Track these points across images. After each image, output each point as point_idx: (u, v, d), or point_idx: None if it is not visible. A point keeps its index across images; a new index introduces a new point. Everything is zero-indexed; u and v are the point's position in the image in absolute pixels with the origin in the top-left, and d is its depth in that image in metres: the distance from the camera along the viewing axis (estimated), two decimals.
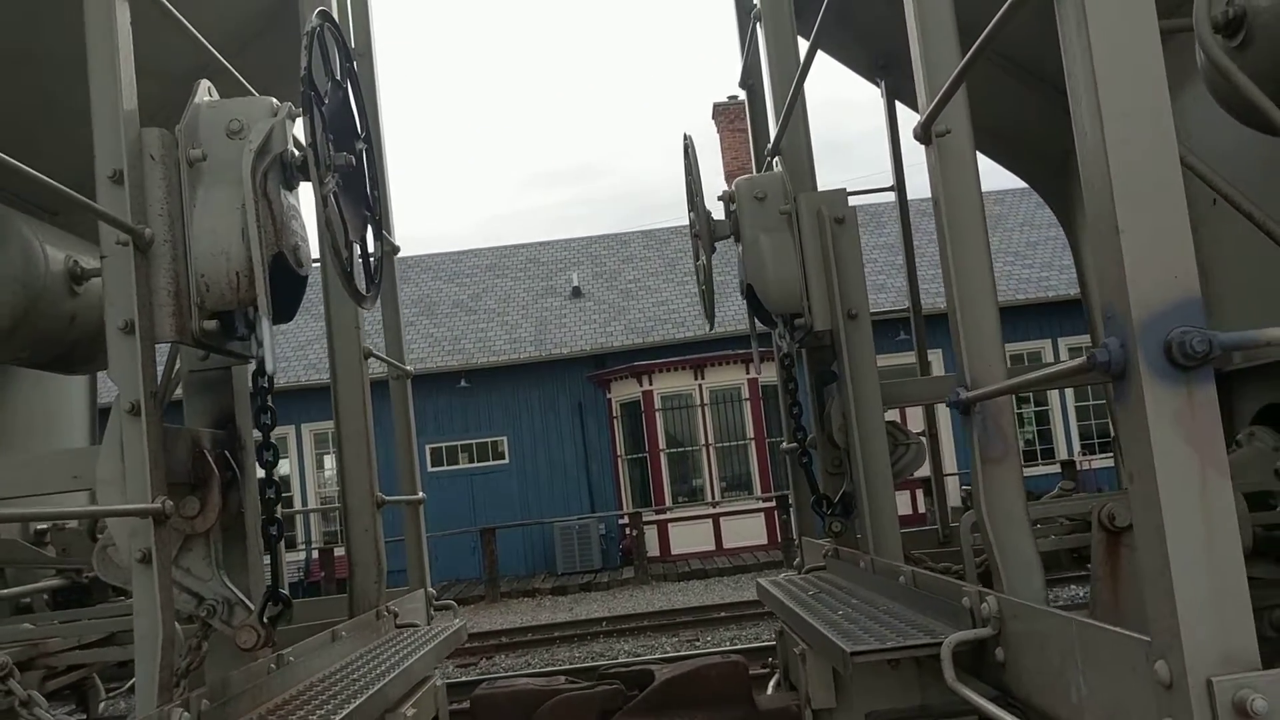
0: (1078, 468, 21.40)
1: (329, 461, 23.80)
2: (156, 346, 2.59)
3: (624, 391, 24.19)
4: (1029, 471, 23.35)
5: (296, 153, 2.78)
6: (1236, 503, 2.96)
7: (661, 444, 23.59)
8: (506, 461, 24.97)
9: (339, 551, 19.79)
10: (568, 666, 9.71)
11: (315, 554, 21.07)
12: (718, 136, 28.85)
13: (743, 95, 5.67)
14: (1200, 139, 4.37)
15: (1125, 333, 1.56)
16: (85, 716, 3.86)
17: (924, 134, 2.42)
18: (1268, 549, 3.38)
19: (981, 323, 2.40)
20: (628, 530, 22.46)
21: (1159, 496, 1.54)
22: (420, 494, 5.31)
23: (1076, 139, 1.62)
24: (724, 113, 28.43)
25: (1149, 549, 1.58)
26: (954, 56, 2.43)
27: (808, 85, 4.05)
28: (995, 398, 2.35)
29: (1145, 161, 1.54)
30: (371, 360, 4.53)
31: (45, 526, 4.69)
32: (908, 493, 19.65)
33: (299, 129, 2.84)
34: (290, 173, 2.79)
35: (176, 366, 3.09)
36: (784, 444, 4.99)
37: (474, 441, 24.84)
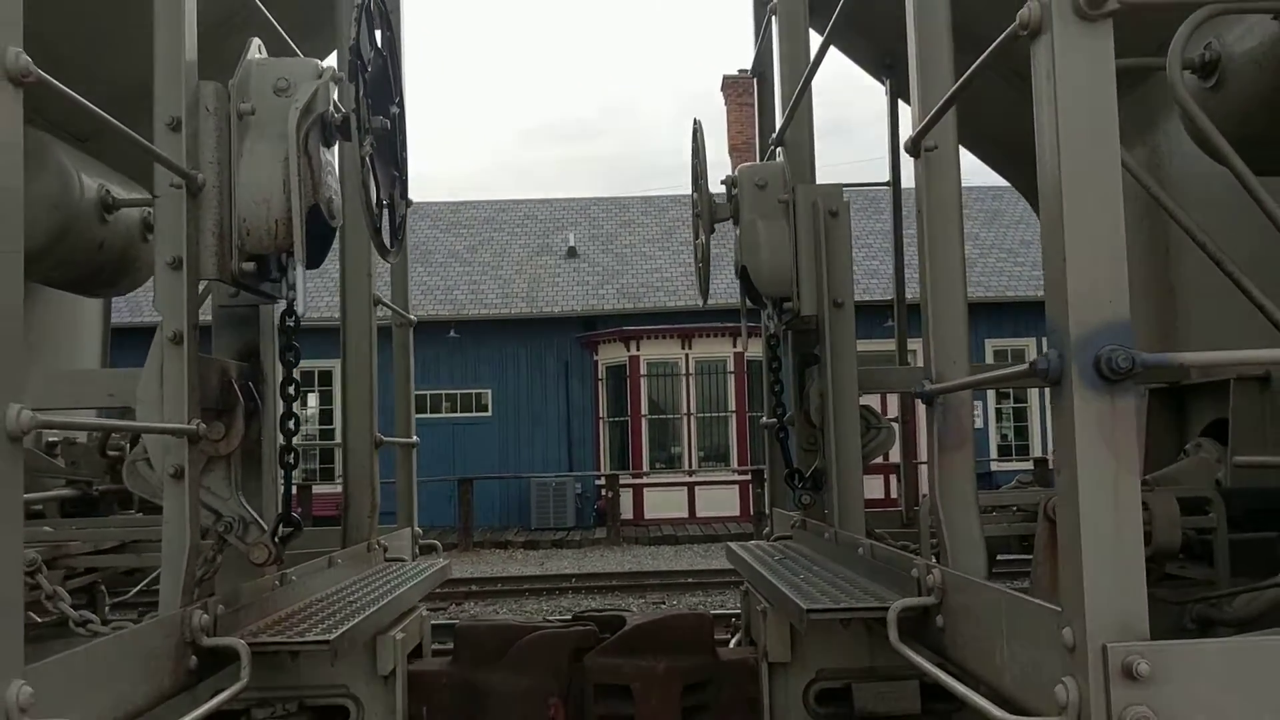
0: (1050, 466, 21.76)
1: (312, 400, 24.06)
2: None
3: (611, 355, 24.48)
4: (1005, 466, 23.77)
5: (337, 114, 3.01)
6: (1170, 506, 3.25)
7: (644, 409, 23.91)
8: (489, 414, 25.27)
9: (317, 489, 20.06)
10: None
11: (294, 490, 21.31)
12: (725, 109, 28.97)
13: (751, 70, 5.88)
14: (1183, 164, 4.62)
15: (1063, 346, 1.82)
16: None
17: (914, 148, 2.66)
18: (1199, 551, 3.66)
19: (950, 324, 2.65)
20: (604, 491, 22.81)
21: (1078, 488, 1.80)
22: (415, 438, 5.57)
23: (1039, 180, 1.87)
24: (732, 86, 28.55)
25: (1066, 533, 1.84)
26: (948, 79, 2.67)
27: (823, 62, 4.24)
28: (956, 392, 2.62)
29: (1094, 206, 1.79)
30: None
31: (56, 439, 4.93)
32: (881, 477, 20.01)
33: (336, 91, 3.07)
34: (329, 131, 3.02)
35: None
36: (764, 419, 5.26)
37: (459, 392, 25.13)
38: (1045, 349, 1.87)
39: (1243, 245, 2.99)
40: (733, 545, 4.64)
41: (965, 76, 2.22)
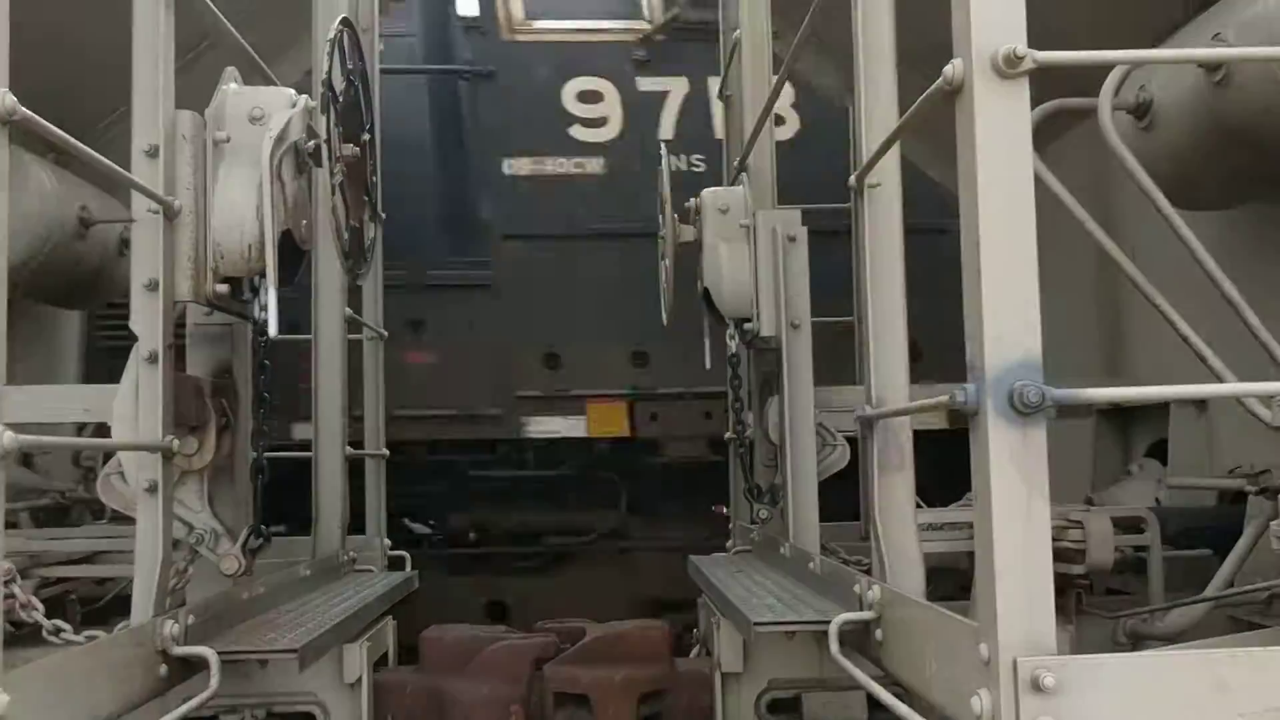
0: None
1: None
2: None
3: None
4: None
5: (309, 142, 3.13)
6: (1104, 525, 3.40)
7: None
8: None
9: None
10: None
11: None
12: None
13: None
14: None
15: (980, 381, 1.96)
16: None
17: (858, 184, 2.81)
18: (1137, 567, 3.82)
19: (891, 352, 2.80)
20: None
21: (992, 513, 1.94)
22: (384, 450, 5.68)
23: (962, 226, 2.01)
24: None
25: (981, 554, 1.98)
26: (892, 118, 2.82)
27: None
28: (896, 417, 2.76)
29: (1010, 251, 1.93)
30: None
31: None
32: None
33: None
34: (302, 159, 3.14)
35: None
36: (726, 434, 5.40)
37: None
38: (966, 383, 2.00)
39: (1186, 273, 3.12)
40: (693, 558, 4.77)
41: (901, 122, 2.37)
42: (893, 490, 2.84)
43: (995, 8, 1.95)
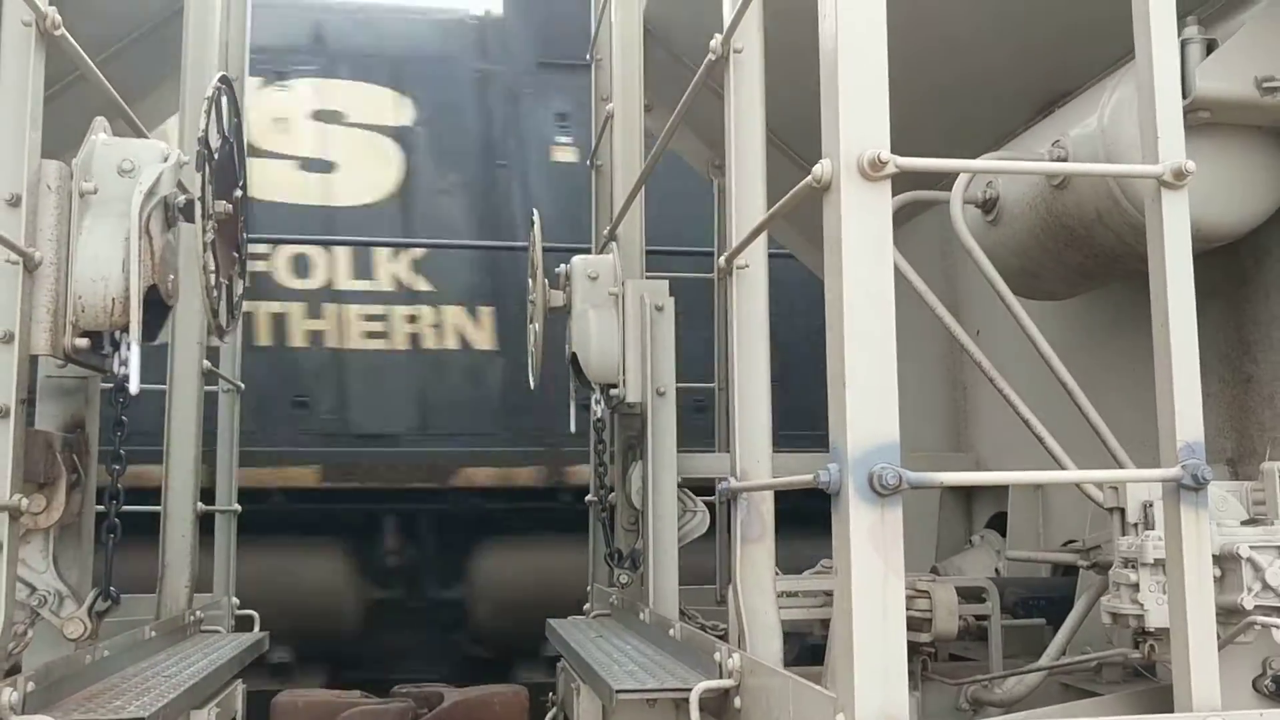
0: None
1: None
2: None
3: None
4: None
5: (180, 196, 3.09)
6: (949, 596, 3.57)
7: None
8: None
9: None
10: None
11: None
12: None
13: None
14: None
15: (843, 462, 2.07)
16: None
17: (727, 266, 2.93)
18: (979, 635, 4.00)
19: (755, 426, 2.90)
20: None
21: (851, 589, 2.04)
22: (235, 505, 5.53)
23: (827, 312, 2.13)
24: None
25: (840, 627, 2.08)
26: (761, 205, 2.95)
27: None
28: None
29: (871, 339, 2.06)
30: None
31: None
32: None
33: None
34: (172, 213, 3.09)
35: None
36: (588, 497, 5.45)
37: None
38: (828, 464, 2.11)
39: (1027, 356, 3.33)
40: (552, 621, 4.78)
41: (770, 213, 2.49)
42: (754, 559, 2.93)
43: (862, 116, 2.09)
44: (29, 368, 2.82)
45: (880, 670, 2.04)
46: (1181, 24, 2.35)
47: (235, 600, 5.39)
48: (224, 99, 3.11)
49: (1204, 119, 2.90)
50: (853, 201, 2.08)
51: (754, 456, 2.91)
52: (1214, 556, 2.34)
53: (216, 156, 3.05)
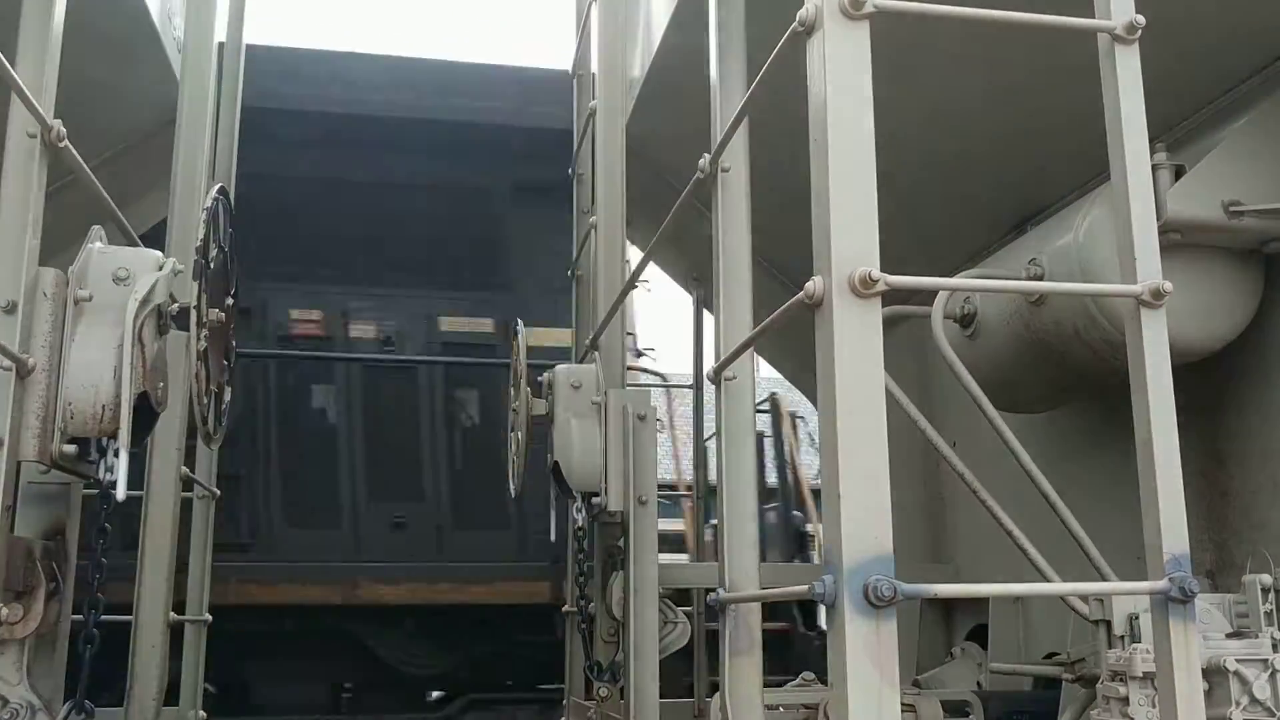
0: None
1: None
2: None
3: None
4: None
5: (173, 304, 3.12)
6: (935, 709, 3.55)
7: None
8: None
9: None
10: None
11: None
12: None
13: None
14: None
15: (838, 574, 2.09)
16: None
17: (715, 377, 2.98)
18: None
19: (743, 538, 2.92)
20: None
21: (849, 700, 2.04)
22: (206, 615, 5.43)
23: (820, 428, 2.17)
24: None
25: None
26: (748, 319, 3.02)
27: None
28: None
29: (864, 454, 2.10)
30: None
31: None
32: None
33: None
34: (165, 321, 3.12)
35: None
36: (565, 607, 5.39)
37: None
38: (823, 575, 2.13)
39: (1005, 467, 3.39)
40: None
41: (760, 327, 2.55)
42: (742, 672, 2.92)
43: (852, 234, 2.16)
44: (14, 474, 2.80)
45: None
46: (1150, 149, 2.46)
47: (203, 714, 5.27)
48: (221, 209, 3.17)
49: (1175, 240, 3.01)
50: (844, 318, 2.13)
51: (742, 567, 2.92)
52: (1201, 669, 2.36)
53: (212, 265, 3.09)
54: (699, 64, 3.31)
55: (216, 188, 3.10)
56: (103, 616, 4.59)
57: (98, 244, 3.10)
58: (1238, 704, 2.50)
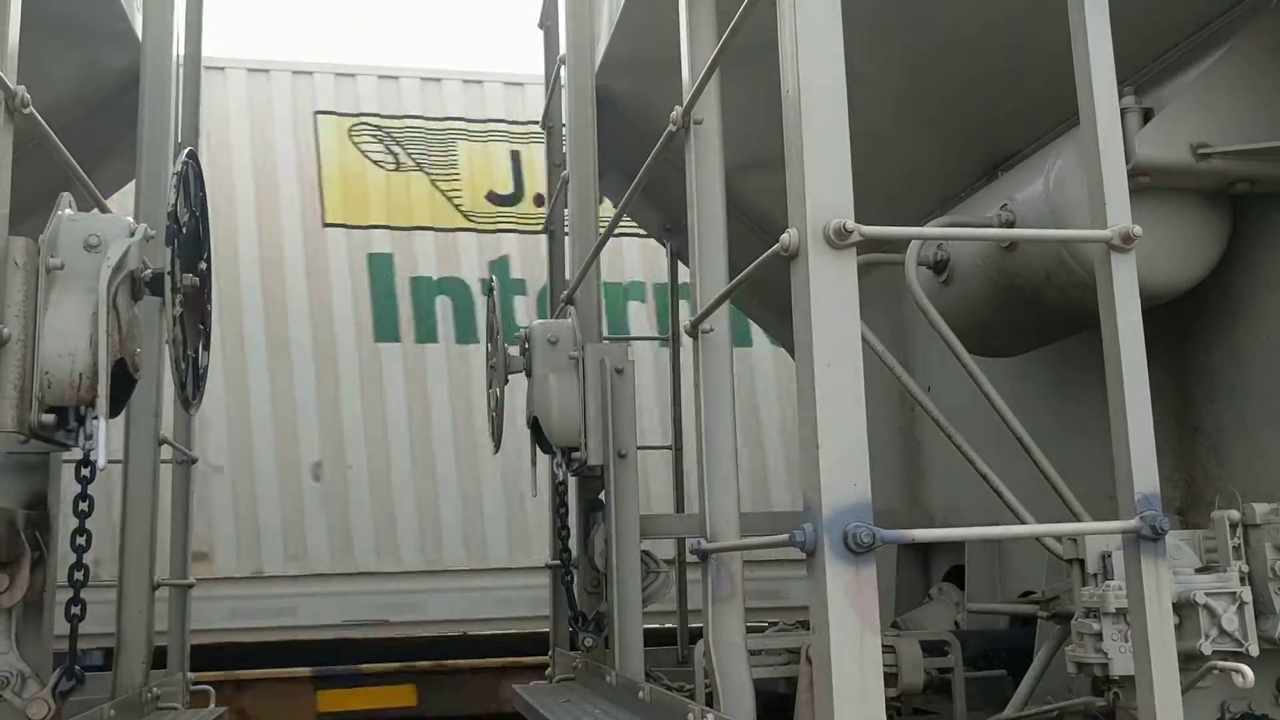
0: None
1: None
2: None
3: None
4: None
5: (146, 270, 3.10)
6: (914, 650, 3.62)
7: None
8: None
9: None
10: None
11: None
12: None
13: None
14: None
15: (817, 522, 2.12)
16: None
17: (692, 330, 3.00)
18: (942, 688, 4.05)
19: (724, 487, 2.96)
20: None
21: (829, 645, 2.09)
22: (191, 579, 5.45)
23: (798, 378, 2.20)
24: None
25: (820, 683, 2.12)
26: (723, 272, 3.03)
27: None
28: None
29: (841, 402, 2.13)
30: None
31: None
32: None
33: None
34: (139, 287, 3.10)
35: None
36: (548, 560, 5.45)
37: None
38: (801, 524, 2.16)
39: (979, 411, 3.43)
40: (518, 687, 4.76)
41: (736, 280, 2.57)
42: (725, 619, 2.97)
43: (826, 186, 2.18)
44: None
45: None
46: (1119, 92, 2.47)
47: (191, 675, 5.30)
48: (191, 173, 3.14)
49: (1144, 184, 3.04)
50: (820, 269, 2.15)
51: (723, 516, 2.96)
52: (1172, 604, 2.42)
53: (184, 230, 3.07)
54: (670, 14, 3.29)
55: (186, 151, 3.08)
56: (88, 583, 4.63)
57: (67, 211, 3.08)
58: (1207, 636, 2.57)
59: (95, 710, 3.76)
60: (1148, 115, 3.11)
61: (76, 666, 3.08)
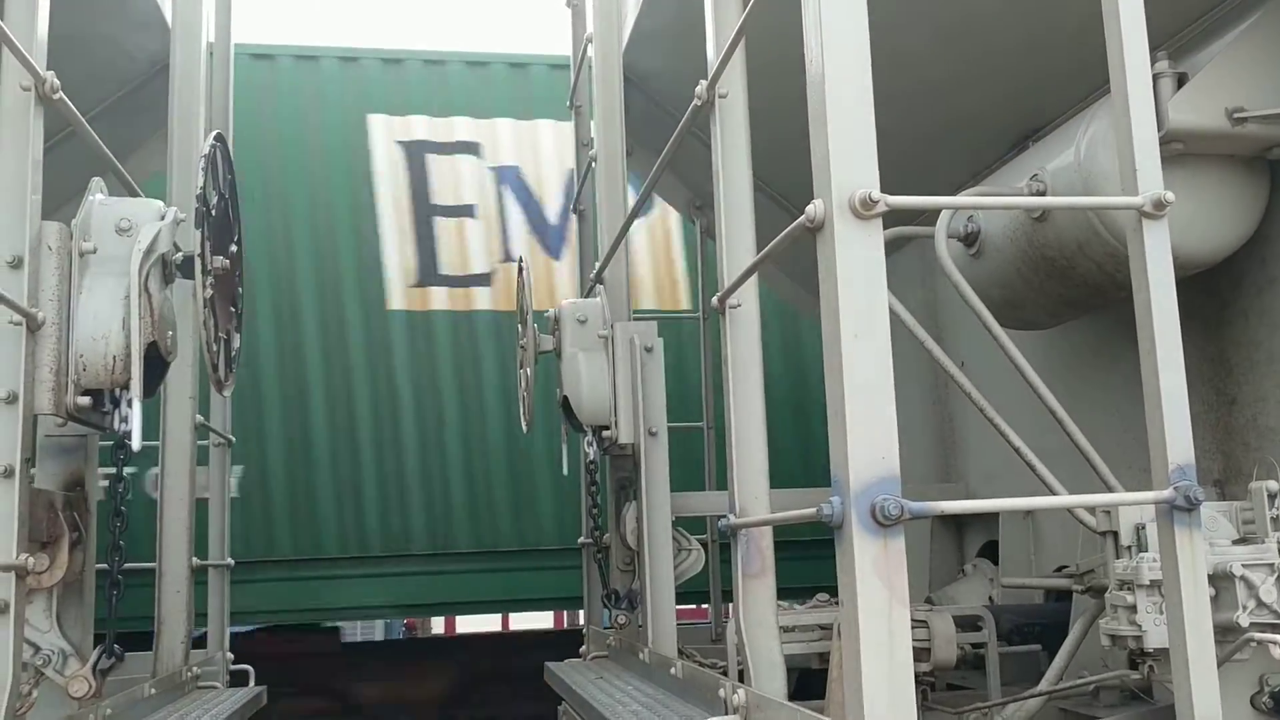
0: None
1: None
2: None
3: None
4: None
5: (177, 253, 3.13)
6: (947, 625, 3.60)
7: None
8: None
9: None
10: None
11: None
12: None
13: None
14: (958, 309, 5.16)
15: (845, 495, 2.11)
16: None
17: (720, 305, 2.98)
18: (976, 663, 4.04)
19: (752, 463, 2.95)
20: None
21: (858, 618, 2.08)
22: (229, 560, 5.52)
23: (825, 351, 2.18)
24: None
25: (848, 657, 2.11)
26: (751, 246, 3.02)
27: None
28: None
29: (869, 376, 2.11)
30: None
31: None
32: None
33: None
34: (170, 270, 3.13)
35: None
36: (581, 539, 5.47)
37: None
38: (830, 498, 2.15)
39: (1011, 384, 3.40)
40: (550, 665, 4.79)
41: (762, 254, 2.55)
42: (755, 595, 2.96)
43: (851, 156, 2.16)
44: (31, 427, 2.83)
45: (888, 701, 2.07)
46: (1152, 58, 2.43)
47: (230, 655, 5.38)
48: (219, 155, 3.16)
49: (1177, 150, 2.99)
50: (846, 240, 2.14)
51: (752, 493, 2.95)
52: (1208, 576, 2.39)
53: (214, 213, 3.10)
54: None
55: (213, 134, 3.10)
56: (127, 564, 4.70)
57: (99, 196, 3.11)
58: (1244, 608, 2.53)
59: (136, 689, 3.82)
60: (1181, 80, 3.06)
61: (116, 646, 3.12)
